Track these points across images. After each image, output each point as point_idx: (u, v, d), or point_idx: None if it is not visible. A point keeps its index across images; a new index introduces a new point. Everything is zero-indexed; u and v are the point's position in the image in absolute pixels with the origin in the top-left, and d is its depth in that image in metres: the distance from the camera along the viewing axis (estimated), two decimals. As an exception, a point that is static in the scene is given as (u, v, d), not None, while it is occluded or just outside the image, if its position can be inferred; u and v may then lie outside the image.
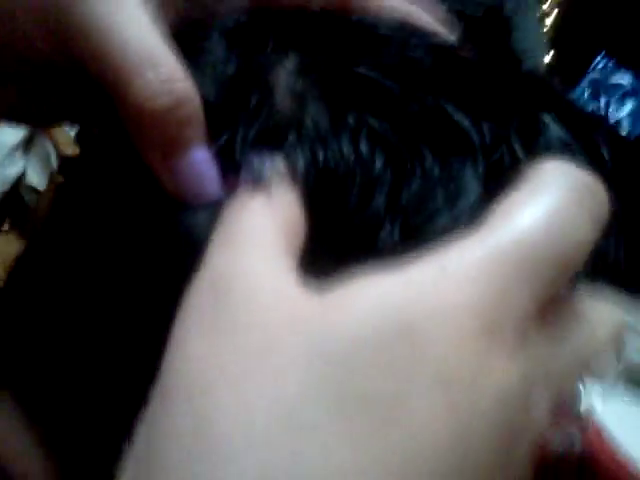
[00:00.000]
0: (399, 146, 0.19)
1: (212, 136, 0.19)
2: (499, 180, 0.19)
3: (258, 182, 0.18)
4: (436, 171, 0.19)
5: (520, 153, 0.20)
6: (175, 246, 0.19)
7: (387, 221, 0.19)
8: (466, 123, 0.20)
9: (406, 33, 0.22)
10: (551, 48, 2.37)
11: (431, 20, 0.24)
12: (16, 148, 1.07)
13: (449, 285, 0.15)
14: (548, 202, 0.17)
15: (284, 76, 0.20)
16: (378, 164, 0.19)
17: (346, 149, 0.19)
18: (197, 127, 0.18)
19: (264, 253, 0.16)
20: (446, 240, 0.16)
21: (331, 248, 0.19)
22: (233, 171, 0.18)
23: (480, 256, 0.16)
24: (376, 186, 0.19)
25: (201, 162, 0.18)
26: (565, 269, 0.16)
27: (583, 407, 0.76)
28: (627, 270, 0.25)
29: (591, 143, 0.23)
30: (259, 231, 0.17)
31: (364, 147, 0.19)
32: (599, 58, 2.89)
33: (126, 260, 0.20)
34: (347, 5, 0.23)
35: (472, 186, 0.19)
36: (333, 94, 0.20)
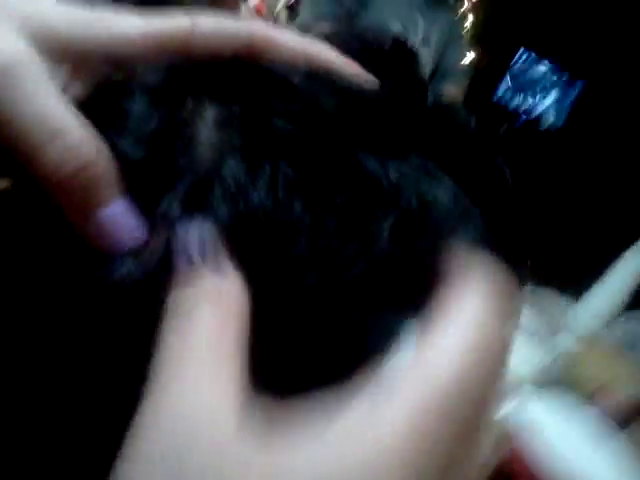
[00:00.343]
0: (314, 192, 0.20)
1: (137, 194, 0.20)
2: (409, 224, 0.21)
3: (188, 255, 0.19)
4: (350, 216, 0.20)
5: (428, 196, 0.22)
6: (104, 296, 0.19)
7: (309, 265, 0.20)
8: (375, 168, 0.21)
9: (316, 80, 0.23)
10: (474, 47, 2.42)
11: (339, 59, 0.24)
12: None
13: (372, 451, 0.16)
14: (460, 340, 0.18)
15: (202, 130, 0.21)
16: (296, 209, 0.20)
17: (264, 197, 0.20)
18: (106, 187, 0.19)
19: (209, 389, 0.17)
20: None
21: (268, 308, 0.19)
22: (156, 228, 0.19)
23: (399, 418, 0.17)
24: (296, 230, 0.20)
25: (115, 215, 0.19)
26: (481, 407, 0.18)
27: (500, 417, 0.80)
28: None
29: (491, 174, 0.25)
30: (204, 355, 0.17)
31: (281, 194, 0.20)
32: (520, 52, 2.98)
33: (54, 311, 0.20)
34: (256, 53, 0.23)
35: (384, 231, 0.20)
36: (249, 146, 0.21)
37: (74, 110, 0.20)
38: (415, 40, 1.71)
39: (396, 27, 1.59)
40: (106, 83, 0.22)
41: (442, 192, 0.22)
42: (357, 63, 0.24)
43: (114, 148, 0.20)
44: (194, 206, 0.19)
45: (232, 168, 0.20)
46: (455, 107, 0.26)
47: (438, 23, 1.77)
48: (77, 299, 0.20)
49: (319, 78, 0.23)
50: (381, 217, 0.21)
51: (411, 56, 0.26)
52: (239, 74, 0.22)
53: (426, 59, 1.73)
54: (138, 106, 0.21)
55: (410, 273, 0.21)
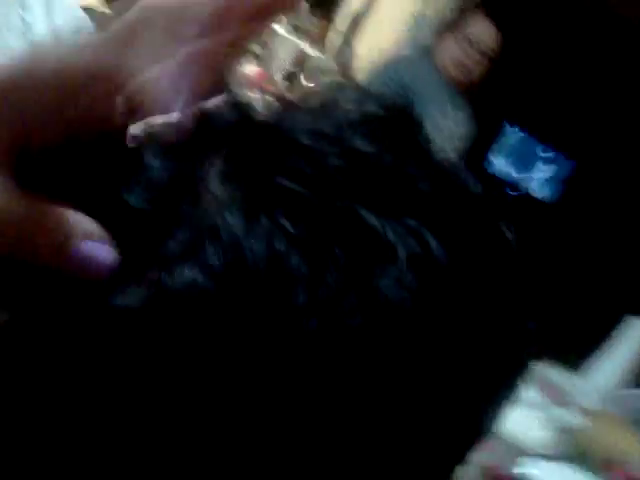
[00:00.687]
0: (312, 244, 0.21)
1: (140, 239, 0.21)
2: (412, 277, 0.21)
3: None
4: (349, 269, 0.21)
5: (433, 248, 0.22)
6: (107, 323, 0.21)
7: (308, 314, 0.20)
8: (375, 224, 0.22)
9: (324, 140, 0.24)
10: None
11: None
12: None
13: None
14: None
15: (208, 184, 0.22)
16: (293, 261, 0.20)
17: (258, 249, 0.20)
18: (72, 234, 0.22)
19: None
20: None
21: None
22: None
23: None
24: (294, 281, 0.20)
25: (89, 251, 0.22)
26: None
27: (527, 477, 0.78)
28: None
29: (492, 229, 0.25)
30: None
31: (278, 246, 0.20)
32: (508, 127, 3.06)
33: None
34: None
35: (384, 283, 0.21)
36: (249, 200, 0.21)
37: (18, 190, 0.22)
38: (451, 130, 1.97)
39: (432, 120, 1.80)
40: (122, 136, 0.23)
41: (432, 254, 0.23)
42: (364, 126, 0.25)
43: (122, 197, 0.22)
44: (188, 252, 0.21)
45: (229, 220, 0.21)
46: (459, 171, 0.26)
47: (463, 111, 2.03)
48: (83, 326, 0.21)
49: (327, 138, 0.24)
50: (380, 272, 0.21)
51: (416, 124, 0.27)
52: (250, 133, 0.24)
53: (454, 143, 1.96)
54: (150, 160, 0.23)
55: (408, 327, 0.21)
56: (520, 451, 0.96)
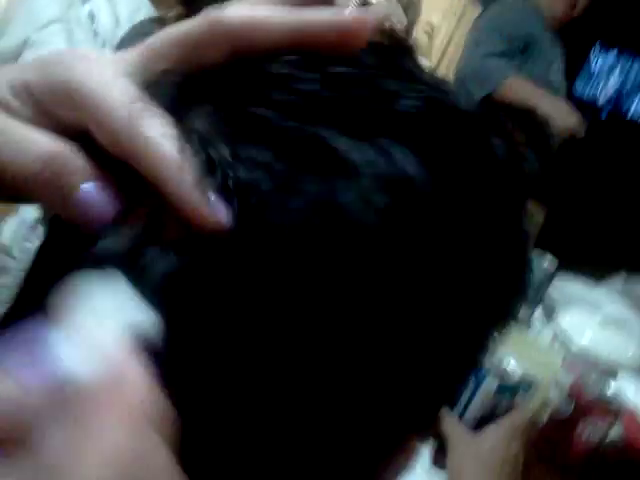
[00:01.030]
0: (280, 169, 0.22)
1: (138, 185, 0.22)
2: (380, 196, 0.22)
3: None
4: (311, 188, 0.22)
5: (407, 167, 0.22)
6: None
7: (277, 233, 0.21)
8: (340, 143, 0.22)
9: (300, 68, 0.24)
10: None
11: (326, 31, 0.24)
12: (38, 222, 1.12)
13: None
14: None
15: (194, 121, 0.23)
16: (264, 186, 0.21)
17: (238, 175, 0.21)
18: (72, 174, 0.22)
19: None
20: None
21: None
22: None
23: None
24: (265, 205, 0.21)
25: (87, 195, 0.22)
26: None
27: (614, 395, 0.77)
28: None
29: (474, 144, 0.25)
30: None
31: (248, 173, 0.21)
32: (598, 48, 2.87)
33: None
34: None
35: (347, 201, 0.21)
36: (228, 132, 0.22)
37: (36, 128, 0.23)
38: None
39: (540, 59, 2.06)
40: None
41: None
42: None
43: None
44: None
45: (213, 153, 0.22)
46: (448, 90, 0.25)
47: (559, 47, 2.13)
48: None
49: (306, 66, 0.24)
50: (342, 191, 0.21)
51: (405, 49, 0.26)
52: (228, 74, 0.24)
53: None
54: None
55: (378, 245, 0.22)
56: (610, 369, 0.93)
